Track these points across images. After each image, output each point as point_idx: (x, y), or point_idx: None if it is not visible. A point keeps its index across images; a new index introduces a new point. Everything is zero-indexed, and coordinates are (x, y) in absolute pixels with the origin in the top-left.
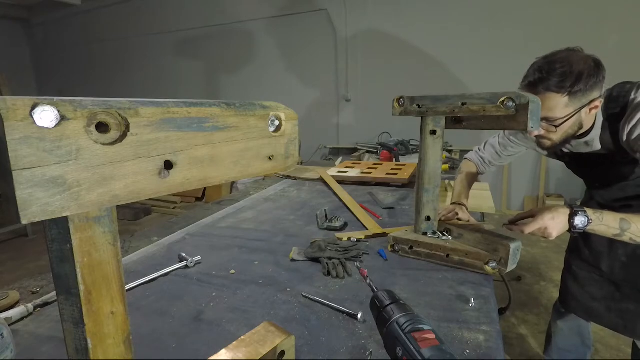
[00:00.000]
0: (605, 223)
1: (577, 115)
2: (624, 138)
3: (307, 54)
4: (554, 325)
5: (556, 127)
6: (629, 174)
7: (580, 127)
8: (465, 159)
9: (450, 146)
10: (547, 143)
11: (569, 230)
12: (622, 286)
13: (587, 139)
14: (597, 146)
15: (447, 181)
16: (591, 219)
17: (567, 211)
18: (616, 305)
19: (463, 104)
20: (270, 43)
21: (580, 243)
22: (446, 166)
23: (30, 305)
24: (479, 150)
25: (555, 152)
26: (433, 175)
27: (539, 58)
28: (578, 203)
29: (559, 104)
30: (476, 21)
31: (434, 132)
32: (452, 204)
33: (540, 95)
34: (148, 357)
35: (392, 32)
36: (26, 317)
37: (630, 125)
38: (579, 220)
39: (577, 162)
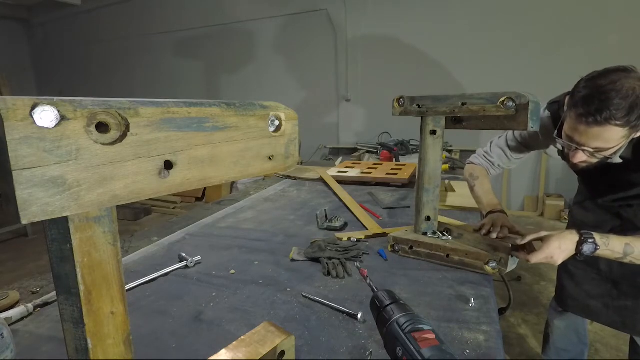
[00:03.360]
0: (610, 248)
1: (625, 140)
2: None
3: (307, 54)
4: (550, 324)
5: (607, 155)
6: (638, 180)
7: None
8: (471, 163)
9: (450, 146)
10: (583, 165)
11: (575, 255)
12: (620, 284)
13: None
14: (617, 160)
15: (447, 181)
16: (598, 246)
17: (575, 238)
18: (614, 303)
19: (463, 104)
20: (270, 43)
21: None
22: (446, 166)
23: (30, 305)
24: (487, 153)
25: (567, 159)
26: (433, 175)
27: (587, 79)
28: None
29: (617, 136)
30: (476, 21)
31: (434, 132)
32: (489, 213)
33: (597, 127)
34: (148, 357)
35: (392, 32)
36: (26, 317)
37: None
38: (587, 248)
39: (588, 170)
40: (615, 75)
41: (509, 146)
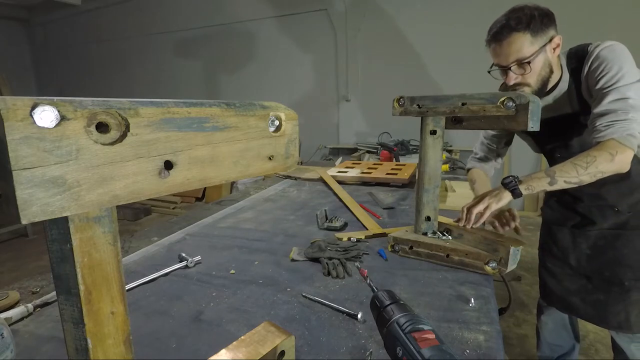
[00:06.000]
0: (535, 177)
1: (543, 53)
2: (583, 82)
3: (307, 54)
4: (539, 320)
5: (529, 63)
6: (590, 142)
7: (551, 71)
8: (468, 170)
9: (450, 146)
10: (526, 90)
11: (513, 193)
12: (592, 278)
13: (555, 93)
14: (562, 88)
15: (447, 181)
16: (517, 176)
17: (505, 190)
18: (589, 297)
19: (463, 104)
20: (270, 43)
21: (548, 240)
22: (446, 166)
23: (30, 305)
24: (474, 154)
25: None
26: (433, 175)
27: None
28: None
29: (525, 42)
30: (476, 21)
31: (434, 132)
32: None
33: (506, 40)
34: (148, 357)
35: (392, 32)
36: (26, 317)
37: (587, 66)
38: (507, 180)
39: (544, 130)
40: (515, 6)
41: (483, 136)
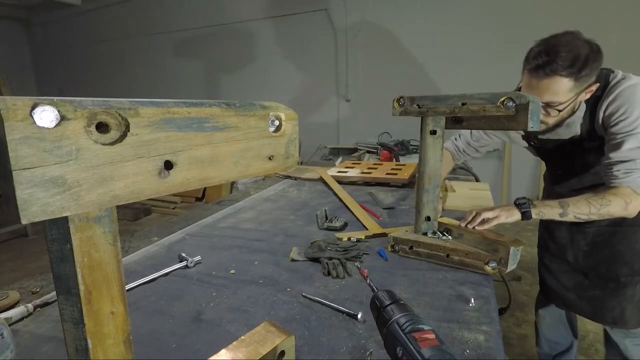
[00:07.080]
0: (547, 204)
1: (575, 99)
2: (601, 115)
3: (307, 54)
4: (537, 313)
5: (559, 111)
6: (592, 163)
7: (573, 112)
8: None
9: None
10: (542, 127)
11: (523, 215)
12: (589, 274)
13: (569, 120)
14: (577, 130)
15: (447, 181)
16: (530, 199)
17: (515, 209)
18: (585, 293)
19: (463, 104)
20: (271, 43)
21: (546, 237)
22: None
23: (30, 305)
24: (455, 139)
25: (530, 139)
26: (433, 175)
27: (539, 41)
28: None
29: (564, 88)
30: (476, 21)
31: (434, 132)
32: None
33: (546, 79)
34: (148, 357)
35: (392, 32)
36: (26, 317)
37: (606, 102)
38: (522, 201)
39: (549, 149)
40: (562, 36)
41: (472, 135)
